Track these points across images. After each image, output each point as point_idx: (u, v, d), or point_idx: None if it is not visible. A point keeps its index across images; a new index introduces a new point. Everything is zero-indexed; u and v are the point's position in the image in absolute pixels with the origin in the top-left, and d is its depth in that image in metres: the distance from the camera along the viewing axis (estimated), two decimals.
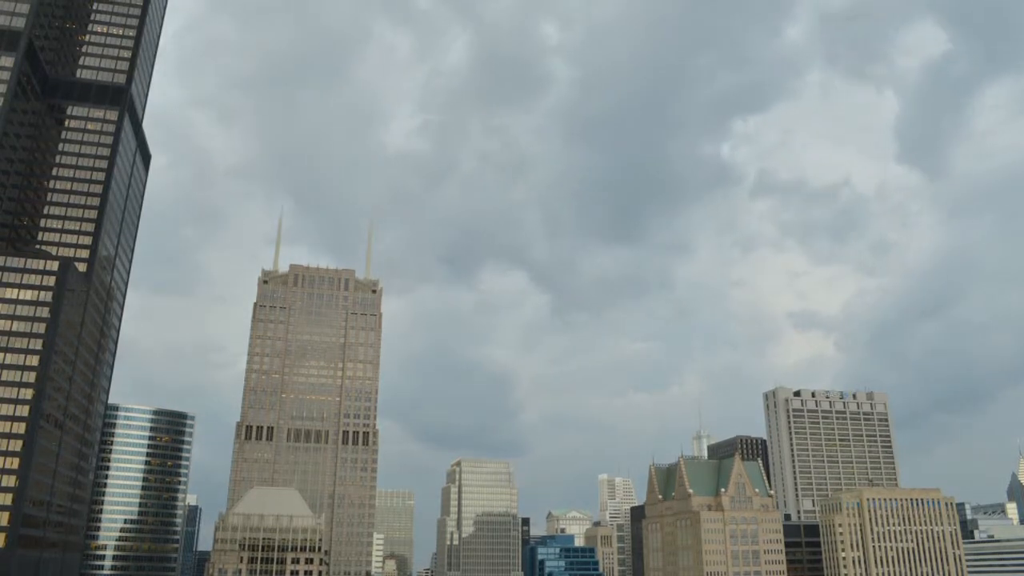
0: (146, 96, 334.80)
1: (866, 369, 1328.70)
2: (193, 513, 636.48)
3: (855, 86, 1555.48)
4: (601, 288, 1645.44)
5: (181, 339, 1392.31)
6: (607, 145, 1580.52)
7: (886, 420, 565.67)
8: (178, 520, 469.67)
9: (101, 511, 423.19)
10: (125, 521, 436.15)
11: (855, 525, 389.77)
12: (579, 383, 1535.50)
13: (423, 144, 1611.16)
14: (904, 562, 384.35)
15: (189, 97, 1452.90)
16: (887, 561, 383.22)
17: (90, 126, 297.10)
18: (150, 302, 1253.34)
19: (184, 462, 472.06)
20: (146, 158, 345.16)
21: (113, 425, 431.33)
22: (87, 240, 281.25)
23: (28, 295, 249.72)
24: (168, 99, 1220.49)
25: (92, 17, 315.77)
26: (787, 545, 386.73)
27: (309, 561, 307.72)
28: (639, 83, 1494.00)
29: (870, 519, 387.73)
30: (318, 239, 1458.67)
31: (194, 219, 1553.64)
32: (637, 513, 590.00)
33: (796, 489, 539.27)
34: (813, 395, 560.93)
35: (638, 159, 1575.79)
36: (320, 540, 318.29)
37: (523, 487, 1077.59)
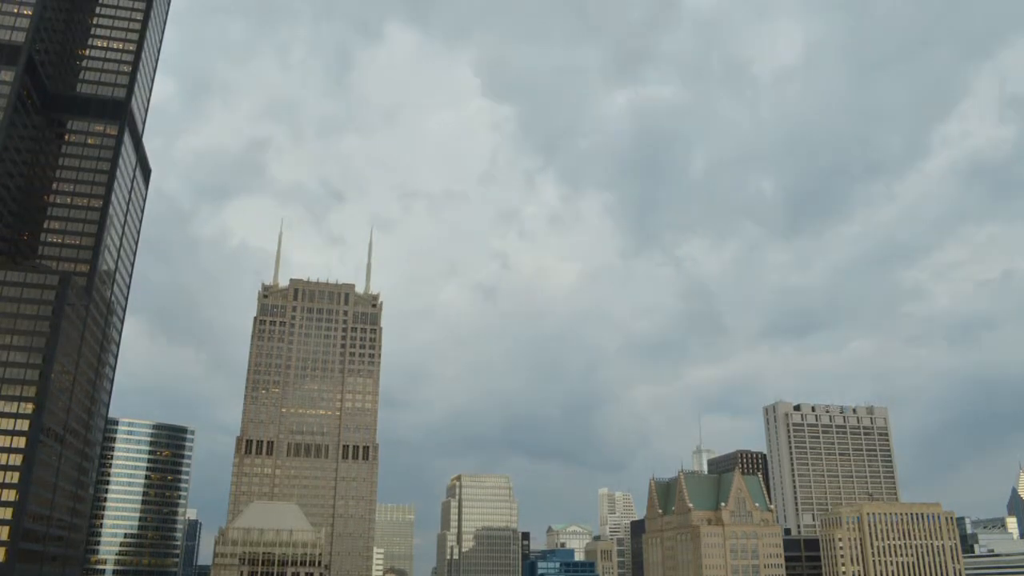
0: (146, 110, 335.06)
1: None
2: (193, 527, 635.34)
3: None
4: None
5: (182, 352, 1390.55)
6: None
7: (886, 434, 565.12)
8: (178, 534, 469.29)
9: (101, 525, 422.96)
10: (125, 535, 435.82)
11: (855, 540, 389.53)
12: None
13: None
14: None
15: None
16: (887, 575, 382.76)
17: (90, 140, 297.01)
18: (151, 315, 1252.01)
19: (184, 476, 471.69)
20: (146, 172, 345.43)
21: (113, 439, 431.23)
22: (87, 255, 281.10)
23: (28, 309, 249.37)
24: None
25: (92, 31, 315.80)
26: (787, 560, 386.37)
27: (309, 575, 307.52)
28: None
29: (870, 533, 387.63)
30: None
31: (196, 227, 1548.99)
32: (637, 527, 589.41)
33: (796, 503, 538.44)
34: (813, 409, 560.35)
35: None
36: (320, 554, 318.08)
37: (522, 501, 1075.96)
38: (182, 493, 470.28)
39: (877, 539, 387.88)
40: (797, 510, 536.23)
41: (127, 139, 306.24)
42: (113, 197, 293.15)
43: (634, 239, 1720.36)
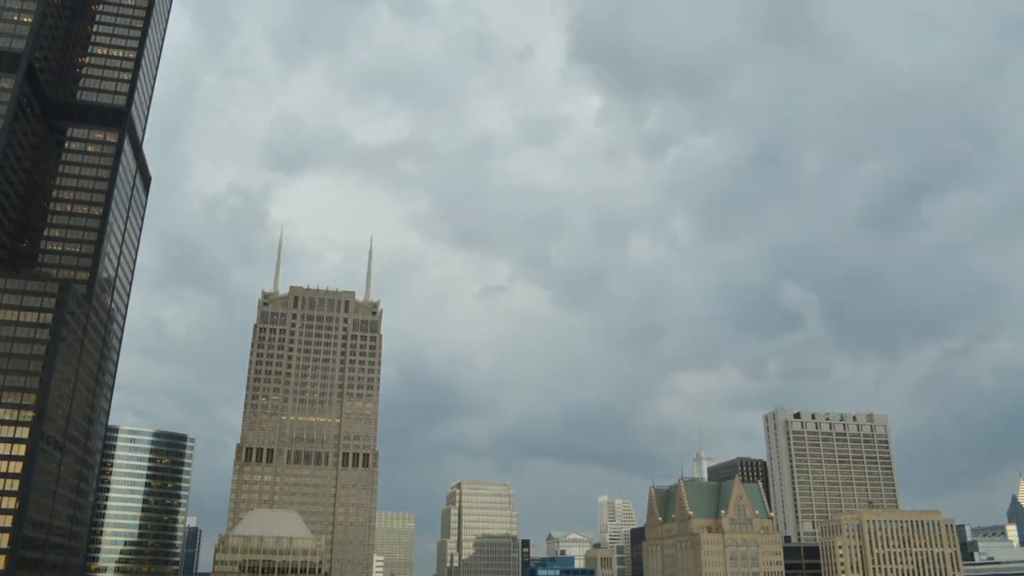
0: (146, 118, 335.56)
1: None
2: (193, 535, 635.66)
3: None
4: None
5: (182, 358, 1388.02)
6: None
7: (886, 442, 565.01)
8: (178, 542, 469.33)
9: (101, 533, 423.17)
10: (125, 543, 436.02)
11: (855, 547, 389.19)
12: None
13: None
14: None
15: None
16: None
17: (90, 148, 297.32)
18: (151, 320, 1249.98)
19: (184, 484, 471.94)
20: (146, 179, 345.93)
21: (113, 447, 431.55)
22: (87, 262, 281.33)
23: (28, 317, 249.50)
24: None
25: (92, 39, 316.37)
26: (787, 567, 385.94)
27: None
28: None
29: (870, 541, 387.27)
30: None
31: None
32: (637, 535, 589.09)
33: (796, 511, 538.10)
34: (813, 417, 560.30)
35: None
36: (320, 562, 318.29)
37: (522, 508, 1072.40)
38: (182, 501, 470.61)
39: (877, 546, 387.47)
40: (797, 518, 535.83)
41: (127, 146, 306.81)
42: (113, 204, 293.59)
43: (705, 231, 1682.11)
